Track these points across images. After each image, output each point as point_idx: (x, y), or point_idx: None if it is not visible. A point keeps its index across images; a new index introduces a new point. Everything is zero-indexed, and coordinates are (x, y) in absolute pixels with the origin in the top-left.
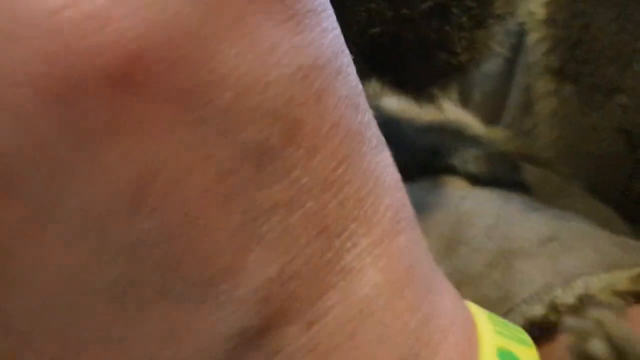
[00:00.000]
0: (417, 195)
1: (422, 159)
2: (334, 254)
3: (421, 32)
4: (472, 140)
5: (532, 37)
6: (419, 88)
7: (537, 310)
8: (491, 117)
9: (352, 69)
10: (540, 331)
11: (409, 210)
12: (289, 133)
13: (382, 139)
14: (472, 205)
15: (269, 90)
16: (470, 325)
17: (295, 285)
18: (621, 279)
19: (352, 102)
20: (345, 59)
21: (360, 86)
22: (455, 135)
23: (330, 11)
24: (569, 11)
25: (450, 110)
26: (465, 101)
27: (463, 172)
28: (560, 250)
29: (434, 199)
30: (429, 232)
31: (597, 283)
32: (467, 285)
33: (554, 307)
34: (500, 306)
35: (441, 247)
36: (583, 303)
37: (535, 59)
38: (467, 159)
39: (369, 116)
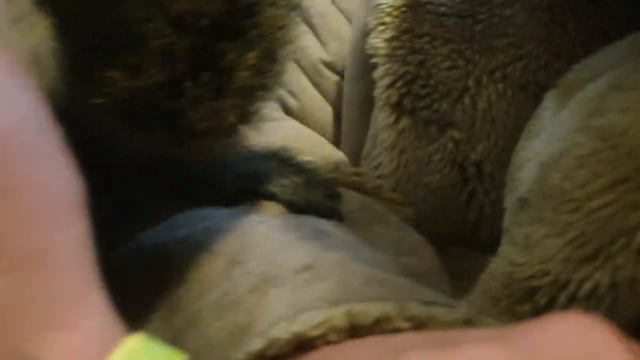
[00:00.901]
0: (223, 218)
1: (245, 185)
2: None
3: (154, 102)
4: (298, 168)
5: (377, 72)
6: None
7: (257, 345)
8: (356, 147)
9: None
10: None
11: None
12: None
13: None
14: (264, 230)
15: None
16: None
17: None
18: (339, 313)
19: None
20: None
21: None
22: (283, 162)
23: None
24: (408, 47)
25: (288, 136)
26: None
27: (281, 199)
28: (309, 280)
29: (236, 223)
30: (219, 254)
31: (317, 318)
32: (230, 309)
33: (273, 342)
34: (246, 334)
35: (223, 268)
36: (298, 338)
37: (378, 92)
38: (286, 186)
39: None
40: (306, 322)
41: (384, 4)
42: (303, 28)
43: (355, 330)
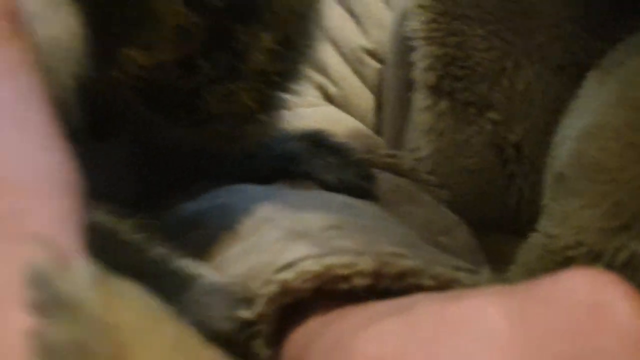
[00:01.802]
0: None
1: (280, 165)
2: None
3: (170, 81)
4: (332, 149)
5: (415, 54)
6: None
7: (286, 275)
8: (397, 133)
9: None
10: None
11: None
12: None
13: None
14: (295, 197)
15: None
16: None
17: None
18: (367, 258)
19: None
20: None
21: None
22: (317, 143)
23: None
24: (446, 29)
25: (326, 121)
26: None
27: (315, 178)
28: (336, 236)
29: (270, 192)
30: (251, 215)
31: (346, 259)
32: (253, 253)
33: (302, 274)
34: (268, 269)
35: (253, 226)
36: (328, 272)
37: (415, 75)
38: (320, 166)
39: None
40: (335, 261)
41: None
42: (343, 15)
43: (380, 279)
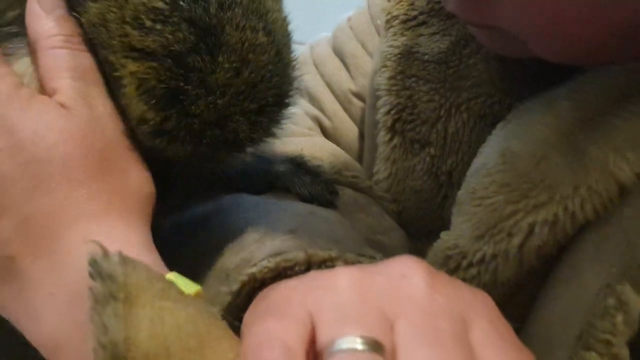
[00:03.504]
0: (251, 200)
1: (269, 181)
2: None
3: None
4: (307, 170)
5: (379, 102)
6: None
7: (253, 270)
8: (372, 160)
9: None
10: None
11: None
12: None
13: None
14: (274, 208)
15: None
16: None
17: None
18: (302, 254)
19: None
20: None
21: None
22: (297, 165)
23: None
24: (401, 85)
25: (314, 148)
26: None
27: (293, 191)
28: (292, 238)
29: (259, 203)
30: (242, 219)
31: (289, 256)
32: (241, 249)
33: (263, 269)
34: (247, 265)
35: (240, 226)
36: (278, 266)
37: (378, 117)
38: (297, 183)
39: None
40: (283, 258)
41: (386, 51)
42: (339, 65)
43: (311, 265)
